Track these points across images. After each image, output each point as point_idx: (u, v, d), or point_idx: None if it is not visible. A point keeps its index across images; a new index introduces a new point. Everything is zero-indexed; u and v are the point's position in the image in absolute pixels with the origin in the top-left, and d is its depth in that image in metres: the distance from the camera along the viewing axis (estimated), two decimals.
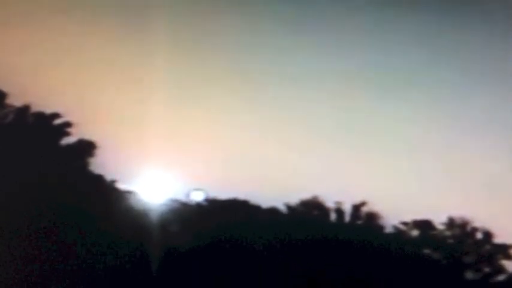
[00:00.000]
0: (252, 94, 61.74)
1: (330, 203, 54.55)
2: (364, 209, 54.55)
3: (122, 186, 52.88)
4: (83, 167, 53.18)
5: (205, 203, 54.06)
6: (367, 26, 63.56)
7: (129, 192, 52.48)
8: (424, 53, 62.81)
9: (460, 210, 54.34)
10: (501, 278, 54.04)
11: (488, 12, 61.96)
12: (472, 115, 62.28)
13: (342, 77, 62.61)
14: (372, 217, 54.46)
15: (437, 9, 63.08)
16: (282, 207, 54.28)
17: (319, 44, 63.37)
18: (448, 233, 54.97)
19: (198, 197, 53.93)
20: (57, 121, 53.69)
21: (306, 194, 54.12)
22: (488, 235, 54.28)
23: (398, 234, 54.90)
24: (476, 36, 62.53)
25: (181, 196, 53.71)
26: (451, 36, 62.93)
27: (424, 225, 55.02)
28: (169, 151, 54.03)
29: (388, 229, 54.71)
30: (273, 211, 54.07)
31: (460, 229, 54.74)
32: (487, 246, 54.27)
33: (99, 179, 52.72)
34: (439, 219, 54.90)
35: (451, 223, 54.91)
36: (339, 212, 54.70)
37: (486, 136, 59.70)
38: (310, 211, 54.57)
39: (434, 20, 62.98)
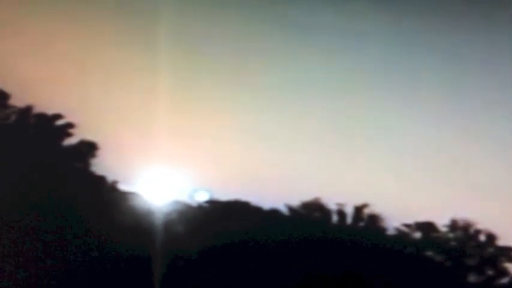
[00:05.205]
0: (254, 96, 61.81)
1: (331, 205, 54.56)
2: (366, 211, 54.45)
3: (124, 187, 52.87)
4: (85, 168, 53.09)
5: (207, 204, 53.96)
6: (367, 28, 63.63)
7: (131, 193, 52.35)
8: (423, 55, 62.92)
9: (463, 212, 54.38)
10: (504, 280, 53.92)
11: (489, 14, 62.07)
12: (474, 117, 62.38)
13: (343, 79, 62.71)
14: (374, 219, 54.34)
15: (438, 11, 63.20)
16: (283, 209, 54.25)
17: (319, 46, 63.47)
18: (450, 235, 54.80)
19: (202, 198, 53.89)
20: (59, 122, 53.67)
21: (307, 196, 54.17)
22: (491, 237, 54.10)
23: (401, 236, 54.76)
24: (477, 38, 62.63)
25: (184, 197, 53.71)
26: (451, 37, 63.03)
27: (427, 227, 54.86)
28: (171, 152, 54.00)
29: (390, 231, 54.62)
30: (274, 213, 53.98)
31: (462, 231, 54.58)
32: (490, 249, 54.09)
33: (101, 180, 52.62)
34: (441, 221, 54.86)
35: (453, 225, 54.75)
36: (341, 214, 54.60)
37: (490, 138, 59.77)
38: (312, 213, 54.46)
39: (436, 22, 63.08)
